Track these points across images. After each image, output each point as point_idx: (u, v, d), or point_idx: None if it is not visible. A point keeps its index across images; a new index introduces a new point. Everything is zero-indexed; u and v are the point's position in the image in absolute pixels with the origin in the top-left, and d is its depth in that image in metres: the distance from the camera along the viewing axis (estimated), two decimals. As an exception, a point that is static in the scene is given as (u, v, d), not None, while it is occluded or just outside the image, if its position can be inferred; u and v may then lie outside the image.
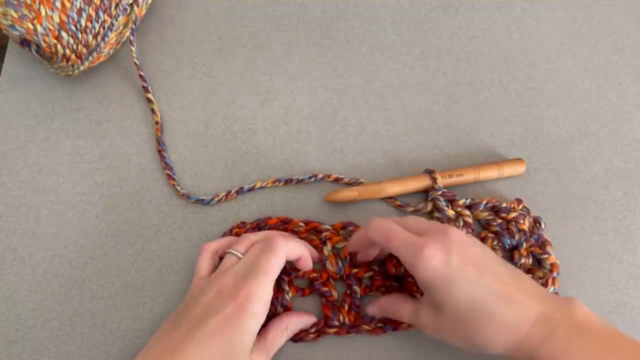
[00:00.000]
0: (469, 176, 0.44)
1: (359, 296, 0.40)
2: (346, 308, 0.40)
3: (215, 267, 0.38)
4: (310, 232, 0.42)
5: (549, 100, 0.49)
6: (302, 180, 0.44)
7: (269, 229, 0.42)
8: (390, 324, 0.39)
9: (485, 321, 0.31)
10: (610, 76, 0.50)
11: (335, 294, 0.40)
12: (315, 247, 0.41)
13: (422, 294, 0.38)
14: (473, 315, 0.31)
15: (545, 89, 0.49)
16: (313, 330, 0.39)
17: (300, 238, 0.41)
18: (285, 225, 0.42)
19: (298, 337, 0.39)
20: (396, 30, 0.51)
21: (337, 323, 0.39)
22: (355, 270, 0.41)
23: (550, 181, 0.45)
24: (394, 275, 0.40)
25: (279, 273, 0.35)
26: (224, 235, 0.42)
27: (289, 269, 0.41)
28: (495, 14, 0.53)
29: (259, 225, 0.42)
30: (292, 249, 0.37)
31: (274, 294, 0.39)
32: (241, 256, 0.36)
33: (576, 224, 0.44)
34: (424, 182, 0.43)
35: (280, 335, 0.37)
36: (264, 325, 0.37)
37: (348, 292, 0.40)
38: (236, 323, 0.31)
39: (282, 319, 0.38)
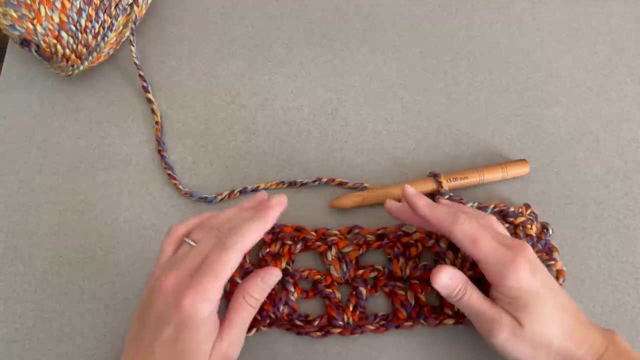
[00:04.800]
0: (473, 179, 0.44)
1: (364, 297, 0.40)
2: (351, 308, 0.40)
3: None
4: (320, 239, 0.42)
5: (549, 100, 0.49)
6: (306, 183, 0.44)
7: (283, 236, 0.41)
8: (393, 322, 0.39)
9: (563, 335, 0.34)
10: (610, 76, 0.50)
11: (339, 295, 0.40)
12: (320, 253, 0.41)
13: (426, 296, 0.40)
14: (552, 330, 0.34)
15: (545, 89, 0.49)
16: (317, 327, 0.39)
17: (311, 245, 0.41)
18: (297, 233, 0.42)
19: (303, 331, 0.39)
20: (396, 30, 0.51)
21: (341, 323, 0.39)
22: (360, 272, 0.41)
23: (550, 181, 0.45)
24: (398, 277, 0.41)
25: (233, 271, 0.33)
26: None
27: (293, 270, 0.41)
28: (495, 14, 0.53)
29: (273, 231, 0.41)
30: (249, 240, 0.34)
31: (278, 294, 0.40)
32: (194, 244, 0.35)
33: (576, 224, 0.44)
34: (428, 186, 0.43)
35: (241, 309, 0.35)
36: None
37: (354, 293, 0.40)
38: (185, 332, 0.32)
39: (237, 291, 0.35)
